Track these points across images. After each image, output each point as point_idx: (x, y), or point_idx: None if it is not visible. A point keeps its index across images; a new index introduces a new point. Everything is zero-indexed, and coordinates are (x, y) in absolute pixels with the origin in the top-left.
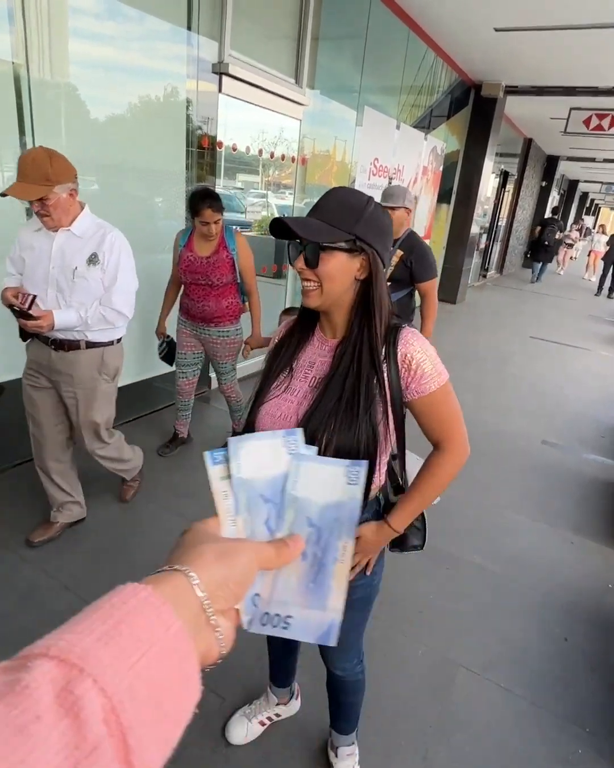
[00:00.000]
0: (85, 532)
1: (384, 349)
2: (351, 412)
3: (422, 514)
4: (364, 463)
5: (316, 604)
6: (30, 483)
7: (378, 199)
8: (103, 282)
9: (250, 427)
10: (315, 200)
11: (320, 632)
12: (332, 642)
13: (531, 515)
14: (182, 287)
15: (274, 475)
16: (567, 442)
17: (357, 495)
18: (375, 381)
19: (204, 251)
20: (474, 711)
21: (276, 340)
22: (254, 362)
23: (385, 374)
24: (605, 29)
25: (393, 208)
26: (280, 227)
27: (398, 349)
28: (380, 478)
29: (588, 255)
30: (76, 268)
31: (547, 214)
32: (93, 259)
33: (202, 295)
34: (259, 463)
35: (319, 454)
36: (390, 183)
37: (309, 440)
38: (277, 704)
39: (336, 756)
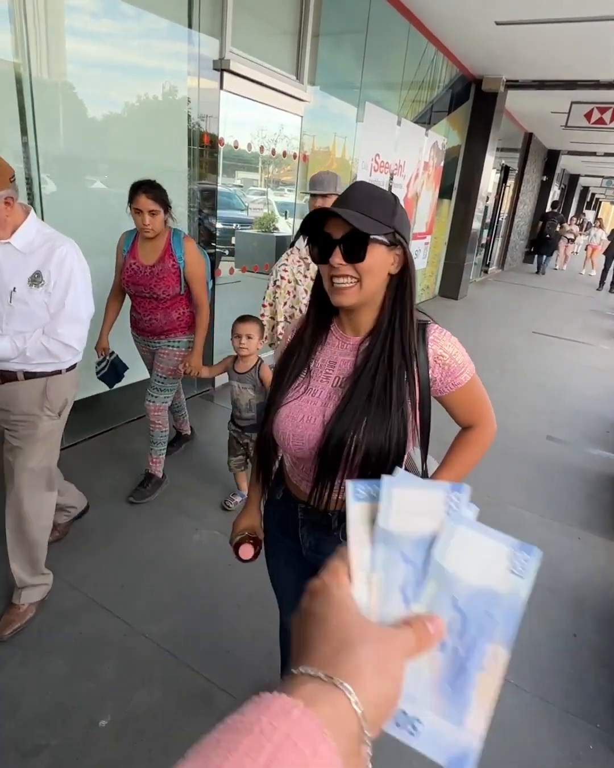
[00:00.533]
0: (91, 531)
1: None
2: (382, 409)
3: None
4: (537, 552)
5: (452, 715)
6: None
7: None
8: (48, 307)
9: (267, 433)
10: None
11: (452, 754)
12: None
13: (537, 511)
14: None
15: (422, 533)
16: (572, 438)
17: (522, 592)
18: (405, 377)
19: (148, 259)
20: None
21: (285, 345)
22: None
23: (416, 370)
24: (606, 22)
25: (324, 196)
26: (314, 222)
27: (429, 347)
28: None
29: (586, 249)
30: (13, 289)
31: (548, 209)
32: (36, 279)
33: (149, 309)
34: (410, 516)
35: (346, 455)
36: (391, 179)
37: (339, 442)
38: None
39: None
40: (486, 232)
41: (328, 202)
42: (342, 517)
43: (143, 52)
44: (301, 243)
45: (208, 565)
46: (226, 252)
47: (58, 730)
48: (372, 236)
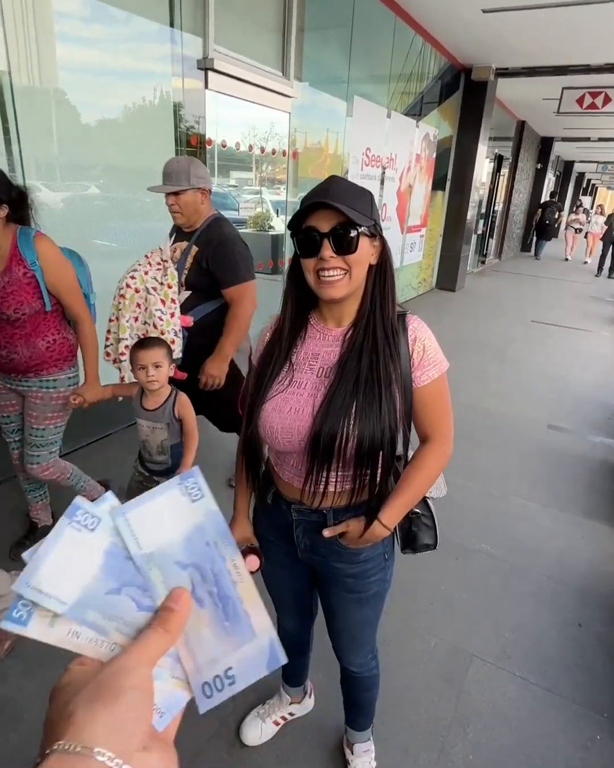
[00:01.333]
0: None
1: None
2: (371, 392)
3: (430, 512)
4: (195, 470)
5: (244, 637)
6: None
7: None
8: None
9: (254, 432)
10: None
11: (265, 659)
12: (282, 660)
13: (540, 501)
14: None
15: (101, 564)
16: (574, 426)
17: (211, 506)
18: (390, 360)
19: None
20: (490, 702)
21: (263, 345)
22: None
23: (399, 356)
24: (593, 5)
25: (176, 193)
26: (301, 215)
27: (409, 333)
28: (400, 467)
29: (585, 237)
30: None
31: (544, 198)
32: None
33: (3, 339)
34: (72, 573)
35: (339, 444)
36: (383, 172)
37: (330, 431)
38: (291, 703)
39: (353, 753)
40: (481, 222)
41: (183, 199)
42: (337, 513)
43: (125, 54)
44: (166, 242)
45: None
46: None
47: None
48: (360, 228)
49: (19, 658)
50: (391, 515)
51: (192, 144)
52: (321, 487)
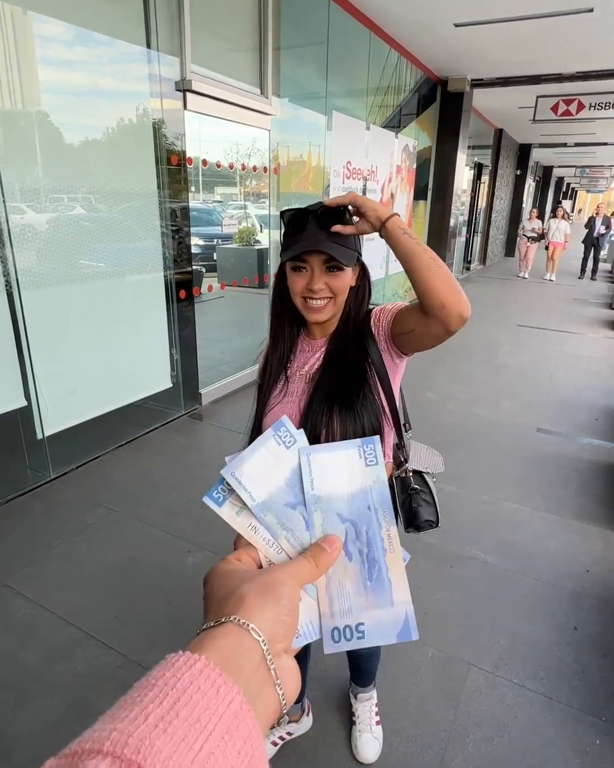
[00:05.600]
0: (80, 561)
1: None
2: (347, 394)
3: (430, 488)
4: (375, 438)
5: (383, 602)
6: (23, 515)
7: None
8: None
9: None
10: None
11: (397, 629)
12: (414, 636)
13: (532, 505)
14: None
15: (287, 478)
16: (563, 428)
17: (382, 475)
18: (363, 365)
19: None
20: (489, 710)
21: (263, 360)
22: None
23: (369, 352)
24: (562, 17)
25: None
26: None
27: (371, 321)
28: (387, 457)
29: (546, 249)
30: None
31: (525, 203)
32: None
33: None
34: (266, 477)
35: (326, 440)
36: (364, 184)
37: (313, 431)
38: (289, 722)
39: (356, 699)
40: (464, 229)
41: None
42: None
43: (103, 77)
44: None
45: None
46: (203, 269)
47: None
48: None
49: (12, 688)
50: (400, 222)
51: (172, 163)
52: None
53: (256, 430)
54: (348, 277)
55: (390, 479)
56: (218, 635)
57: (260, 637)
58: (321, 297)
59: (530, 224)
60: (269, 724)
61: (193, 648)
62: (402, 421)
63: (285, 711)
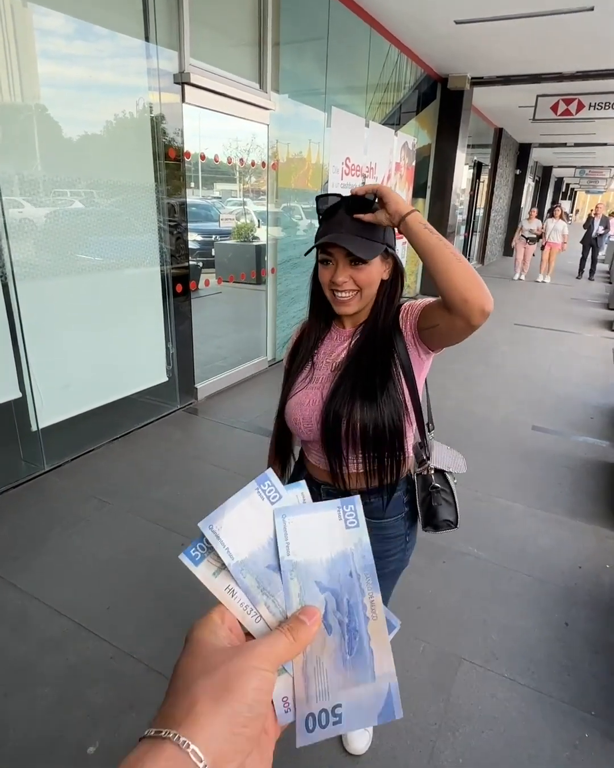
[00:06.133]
0: (73, 553)
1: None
2: (371, 385)
3: (450, 488)
4: (356, 498)
5: (363, 677)
6: (17, 507)
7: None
8: None
9: (281, 423)
10: (291, 204)
11: (379, 708)
12: (398, 714)
13: (525, 502)
14: None
15: (270, 537)
16: (557, 426)
17: (364, 538)
18: (388, 358)
19: None
20: (479, 704)
21: (291, 345)
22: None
23: (396, 348)
24: (562, 15)
25: None
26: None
27: (400, 316)
28: (408, 453)
29: (542, 249)
30: None
31: (524, 203)
32: None
33: None
34: (247, 534)
35: (347, 430)
36: (363, 181)
37: (335, 418)
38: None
39: None
40: (463, 227)
41: None
42: (365, 494)
43: (101, 71)
44: None
45: (196, 582)
46: (200, 264)
47: (46, 761)
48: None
49: (2, 679)
50: (421, 217)
51: (170, 157)
52: (342, 469)
53: (281, 414)
54: (375, 270)
55: (410, 476)
56: (157, 759)
57: (201, 761)
58: (346, 290)
59: (529, 225)
60: None
61: (129, 759)
62: (426, 420)
63: None
